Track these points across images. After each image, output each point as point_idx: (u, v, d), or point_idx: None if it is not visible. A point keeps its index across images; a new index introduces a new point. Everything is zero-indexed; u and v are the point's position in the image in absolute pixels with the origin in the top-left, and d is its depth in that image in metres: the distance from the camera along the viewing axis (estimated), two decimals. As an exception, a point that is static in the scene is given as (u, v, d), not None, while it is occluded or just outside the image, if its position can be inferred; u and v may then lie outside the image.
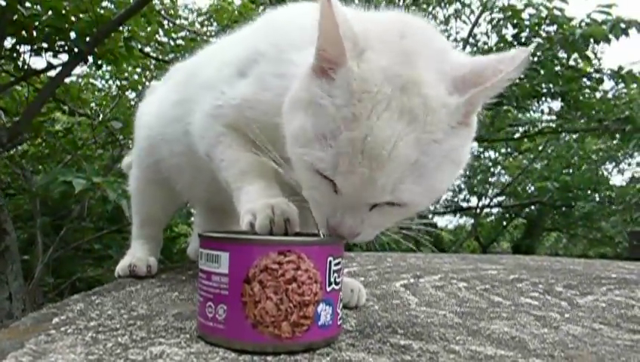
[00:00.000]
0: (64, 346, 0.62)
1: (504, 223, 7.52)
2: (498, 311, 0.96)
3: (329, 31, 0.62)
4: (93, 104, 4.31)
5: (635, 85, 4.37)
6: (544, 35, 4.09)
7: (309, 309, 0.63)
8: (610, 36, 3.73)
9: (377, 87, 0.61)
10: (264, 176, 0.85)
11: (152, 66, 4.27)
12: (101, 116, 3.82)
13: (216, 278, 0.64)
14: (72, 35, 2.55)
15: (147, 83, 4.17)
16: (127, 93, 4.41)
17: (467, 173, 7.28)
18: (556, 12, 3.97)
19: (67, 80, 3.30)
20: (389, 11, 0.79)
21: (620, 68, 4.45)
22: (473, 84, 0.62)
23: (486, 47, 4.98)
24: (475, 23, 5.76)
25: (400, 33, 0.66)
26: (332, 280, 0.66)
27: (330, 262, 0.65)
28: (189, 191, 1.21)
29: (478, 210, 7.11)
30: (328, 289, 0.65)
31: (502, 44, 4.54)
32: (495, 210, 7.48)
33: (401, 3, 5.36)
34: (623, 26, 3.71)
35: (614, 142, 5.30)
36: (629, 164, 6.63)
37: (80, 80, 4.18)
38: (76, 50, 2.59)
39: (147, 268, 1.18)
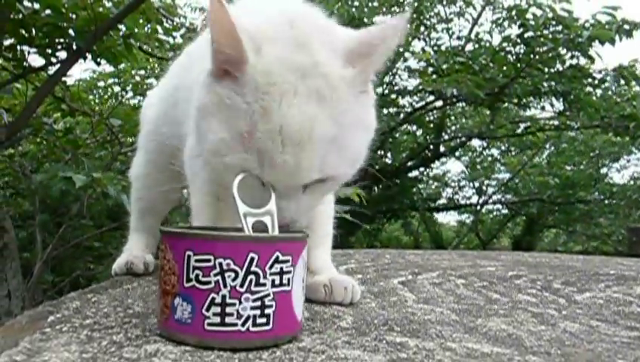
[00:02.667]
0: (58, 344, 0.62)
1: (504, 220, 7.53)
2: (495, 308, 0.96)
3: (225, 31, 0.64)
4: (93, 103, 4.30)
5: (634, 83, 4.37)
6: (549, 35, 4.10)
7: (167, 299, 0.65)
8: (615, 37, 3.77)
9: (281, 77, 0.65)
10: None
11: (151, 67, 4.27)
12: (100, 114, 3.81)
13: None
14: (71, 32, 2.56)
15: (149, 85, 4.18)
16: (128, 94, 4.40)
17: (468, 169, 7.28)
18: (562, 13, 3.99)
19: (71, 82, 3.31)
20: (275, 2, 0.79)
21: (621, 66, 4.46)
22: (363, 55, 0.68)
23: (488, 45, 4.96)
24: (476, 21, 5.76)
25: (289, 23, 0.70)
26: (191, 276, 0.62)
27: (189, 256, 0.62)
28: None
29: (479, 207, 7.11)
30: (186, 284, 0.63)
31: (505, 44, 4.53)
32: (495, 207, 7.49)
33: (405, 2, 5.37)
34: (627, 27, 3.75)
35: (616, 139, 5.29)
36: (628, 161, 6.63)
37: (82, 82, 4.17)
38: (75, 47, 2.59)
39: (144, 266, 1.18)
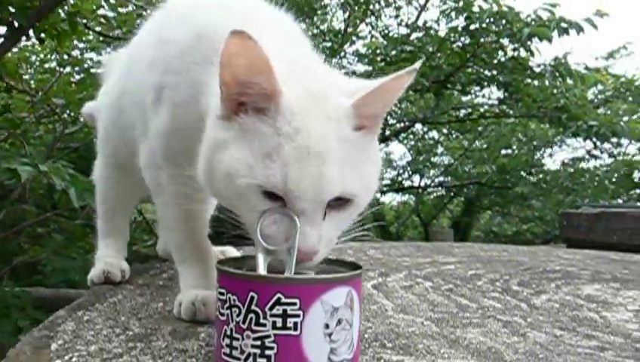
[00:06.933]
0: (77, 379, 0.63)
1: (444, 202, 7.85)
2: (468, 316, 1.03)
3: (258, 67, 0.66)
4: (32, 81, 4.08)
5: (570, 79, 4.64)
6: (494, 28, 4.28)
7: None
8: (552, 34, 3.98)
9: (301, 99, 0.69)
10: (199, 256, 0.97)
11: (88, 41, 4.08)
12: (40, 93, 3.63)
13: None
14: (11, 8, 2.42)
15: (90, 60, 4.02)
16: (67, 69, 4.20)
17: (410, 152, 7.50)
18: (505, 8, 4.16)
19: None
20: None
21: (557, 59, 4.74)
22: (359, 91, 0.72)
23: (435, 33, 5.10)
24: (423, 8, 5.86)
25: (288, 58, 0.75)
26: (217, 306, 0.69)
27: (217, 288, 0.69)
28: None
29: (420, 189, 7.36)
30: (215, 312, 0.71)
31: (452, 34, 4.67)
32: (436, 189, 7.78)
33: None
34: (564, 25, 3.96)
35: (549, 128, 5.62)
36: (560, 146, 7.08)
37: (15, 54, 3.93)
38: (16, 25, 2.46)
39: (121, 273, 1.18)
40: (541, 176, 6.44)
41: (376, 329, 0.91)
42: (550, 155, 7.05)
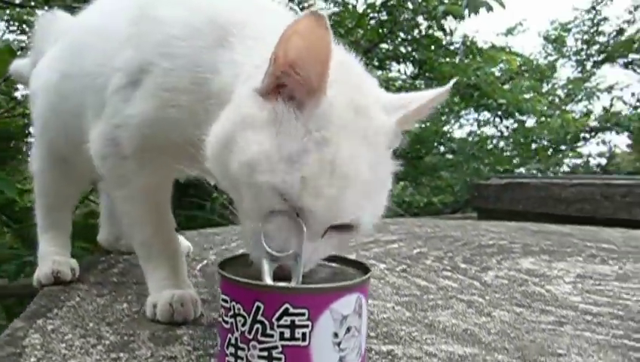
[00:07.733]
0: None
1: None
2: (433, 298, 1.08)
3: (320, 58, 0.61)
4: None
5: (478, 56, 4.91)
6: (410, 5, 4.42)
7: None
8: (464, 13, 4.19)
9: (344, 111, 0.64)
10: (168, 252, 0.92)
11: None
12: None
13: None
14: None
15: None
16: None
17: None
18: None
19: None
20: None
21: (465, 36, 5.00)
22: (400, 107, 0.69)
23: (352, 8, 5.14)
24: (340, -19, 5.86)
25: (342, 61, 0.69)
26: (220, 312, 0.65)
27: (220, 294, 0.65)
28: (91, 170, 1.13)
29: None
30: (218, 319, 0.66)
31: (370, 10, 4.75)
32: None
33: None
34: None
35: (459, 101, 5.92)
36: (467, 120, 7.52)
37: None
38: None
39: (72, 271, 1.10)
40: (451, 145, 6.79)
41: (353, 318, 0.92)
42: (460, 127, 7.48)
